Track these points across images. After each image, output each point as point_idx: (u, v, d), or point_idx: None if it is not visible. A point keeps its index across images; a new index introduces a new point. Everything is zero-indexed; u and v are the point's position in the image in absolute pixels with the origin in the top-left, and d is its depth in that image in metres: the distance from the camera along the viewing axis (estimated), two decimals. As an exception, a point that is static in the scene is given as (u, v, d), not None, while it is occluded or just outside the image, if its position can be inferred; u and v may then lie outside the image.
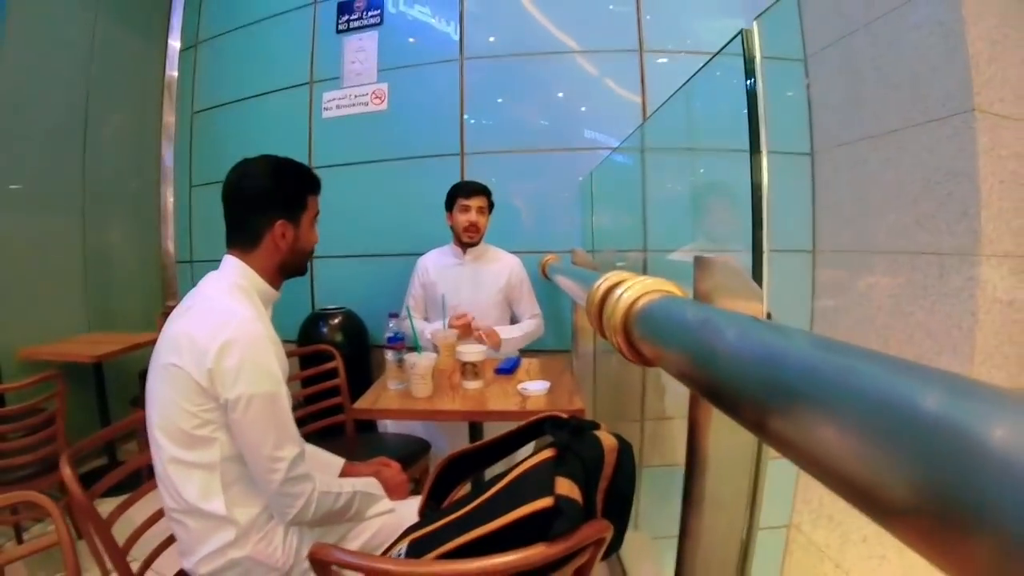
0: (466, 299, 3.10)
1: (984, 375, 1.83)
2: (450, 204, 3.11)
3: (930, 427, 0.25)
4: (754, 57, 1.20)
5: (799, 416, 0.35)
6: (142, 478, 1.69)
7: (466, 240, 3.08)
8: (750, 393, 0.43)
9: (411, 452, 2.59)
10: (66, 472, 1.40)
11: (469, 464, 1.46)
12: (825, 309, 2.47)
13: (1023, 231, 1.86)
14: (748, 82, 1.19)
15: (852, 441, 0.30)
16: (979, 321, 1.84)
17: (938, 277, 1.97)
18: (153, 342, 1.55)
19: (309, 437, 1.84)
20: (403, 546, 1.25)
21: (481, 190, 3.08)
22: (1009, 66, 1.90)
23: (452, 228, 3.13)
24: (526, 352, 3.13)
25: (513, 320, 3.27)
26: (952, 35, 1.90)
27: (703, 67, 1.72)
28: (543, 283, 3.36)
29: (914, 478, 0.25)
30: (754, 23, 1.20)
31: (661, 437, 2.47)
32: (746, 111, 1.19)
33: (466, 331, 2.92)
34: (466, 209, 3.05)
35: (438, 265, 3.19)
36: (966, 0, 1.88)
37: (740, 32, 1.20)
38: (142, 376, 1.68)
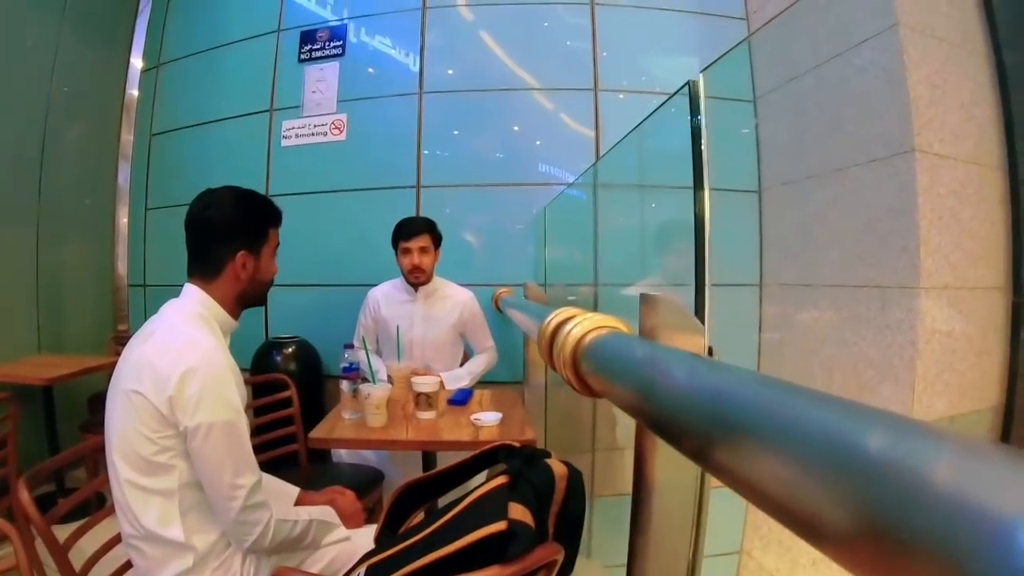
0: (418, 336, 3.08)
1: (925, 403, 1.90)
2: (394, 245, 3.07)
3: (867, 458, 0.27)
4: (698, 103, 1.25)
5: (735, 447, 0.38)
6: (91, 506, 1.65)
7: (412, 281, 3.06)
8: (691, 425, 0.46)
9: (365, 482, 2.58)
10: (23, 496, 1.37)
11: (424, 492, 1.47)
12: (771, 341, 2.53)
13: (961, 265, 1.95)
14: (693, 120, 1.24)
15: (778, 471, 0.33)
16: (919, 351, 1.92)
17: (880, 309, 2.04)
18: (104, 367, 1.54)
19: (263, 466, 1.82)
20: (361, 571, 1.26)
21: (422, 229, 3.02)
22: (948, 109, 2.00)
23: (401, 269, 3.11)
24: (479, 383, 3.14)
25: (467, 352, 3.27)
26: (894, 79, 1.99)
27: (653, 113, 1.78)
28: (496, 315, 3.39)
29: (851, 509, 0.27)
30: (700, 75, 1.25)
31: (612, 467, 2.49)
32: (690, 148, 1.24)
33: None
34: (407, 252, 3.00)
35: (389, 300, 3.16)
36: (907, 46, 1.98)
37: (687, 83, 1.25)
38: (91, 401, 1.66)
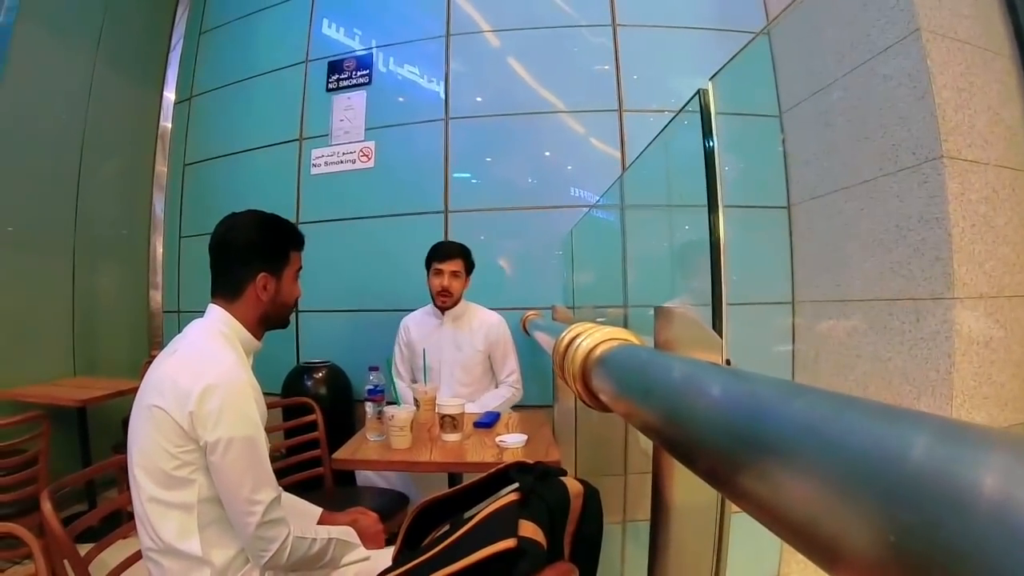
0: (447, 360, 3.09)
1: (963, 416, 1.83)
2: (428, 266, 3.10)
3: (915, 485, 0.22)
4: (710, 116, 1.23)
5: (750, 461, 0.34)
6: (120, 524, 1.68)
7: (439, 304, 3.08)
8: (705, 441, 0.42)
9: (389, 505, 2.57)
10: (47, 507, 1.41)
11: (443, 512, 1.45)
12: (805, 358, 2.48)
13: (996, 272, 1.89)
14: (705, 142, 1.22)
15: (824, 495, 0.27)
16: (956, 363, 1.86)
17: (914, 322, 1.99)
18: (137, 389, 1.57)
19: (289, 489, 1.83)
20: (374, 587, 1.25)
21: (456, 253, 3.06)
22: (976, 113, 1.95)
23: (430, 290, 3.13)
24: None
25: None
26: (919, 85, 1.95)
27: (667, 126, 1.76)
28: (525, 339, 3.37)
29: (887, 533, 0.22)
30: (708, 83, 1.23)
31: (645, 491, 2.44)
32: (703, 168, 1.22)
33: None
34: (439, 273, 3.04)
35: (419, 326, 3.18)
36: (932, 51, 1.94)
37: (697, 92, 1.23)
38: (125, 423, 1.68)
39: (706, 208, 1.25)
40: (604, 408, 0.75)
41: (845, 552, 0.25)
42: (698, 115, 1.29)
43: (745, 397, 0.39)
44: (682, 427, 0.46)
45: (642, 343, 0.77)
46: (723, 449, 0.38)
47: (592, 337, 0.78)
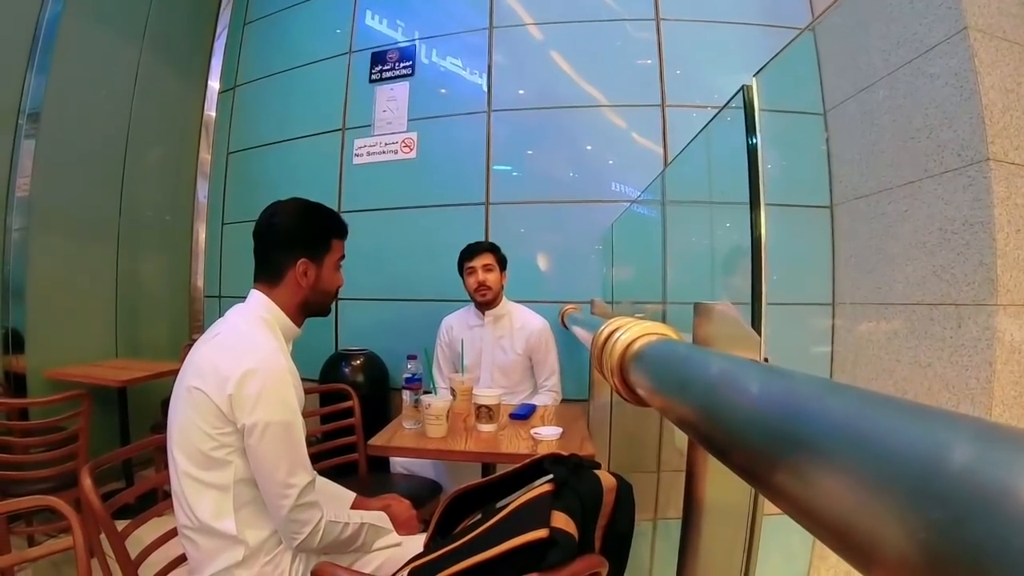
0: (486, 361, 3.10)
1: (1004, 427, 1.79)
2: (460, 271, 3.12)
3: (952, 481, 0.22)
4: (754, 112, 1.21)
5: (793, 462, 0.33)
6: (156, 501, 1.72)
7: (479, 300, 3.08)
8: (742, 437, 0.41)
9: (422, 492, 2.60)
10: (86, 483, 1.45)
11: (475, 501, 1.47)
12: (844, 361, 2.45)
13: (1039, 281, 1.85)
14: (749, 138, 1.21)
15: (859, 493, 0.27)
16: (996, 372, 1.82)
17: (956, 328, 1.95)
18: (178, 371, 1.60)
19: (323, 473, 1.86)
20: (403, 574, 1.27)
21: (484, 248, 3.08)
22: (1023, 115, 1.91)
23: (468, 292, 3.14)
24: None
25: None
26: (965, 86, 1.91)
27: (708, 123, 1.75)
28: (563, 333, 3.36)
29: (927, 534, 0.22)
30: (753, 79, 1.22)
31: (678, 489, 2.43)
32: (747, 166, 1.20)
33: None
34: (472, 271, 3.05)
35: (460, 325, 3.20)
36: (979, 51, 1.90)
37: (741, 88, 1.22)
38: (164, 404, 1.72)
39: (748, 205, 1.24)
40: (640, 402, 0.75)
41: (879, 551, 0.25)
42: (741, 111, 1.28)
43: (782, 394, 0.39)
44: (719, 423, 0.45)
45: (680, 339, 0.77)
46: (759, 445, 0.37)
47: (630, 332, 0.78)
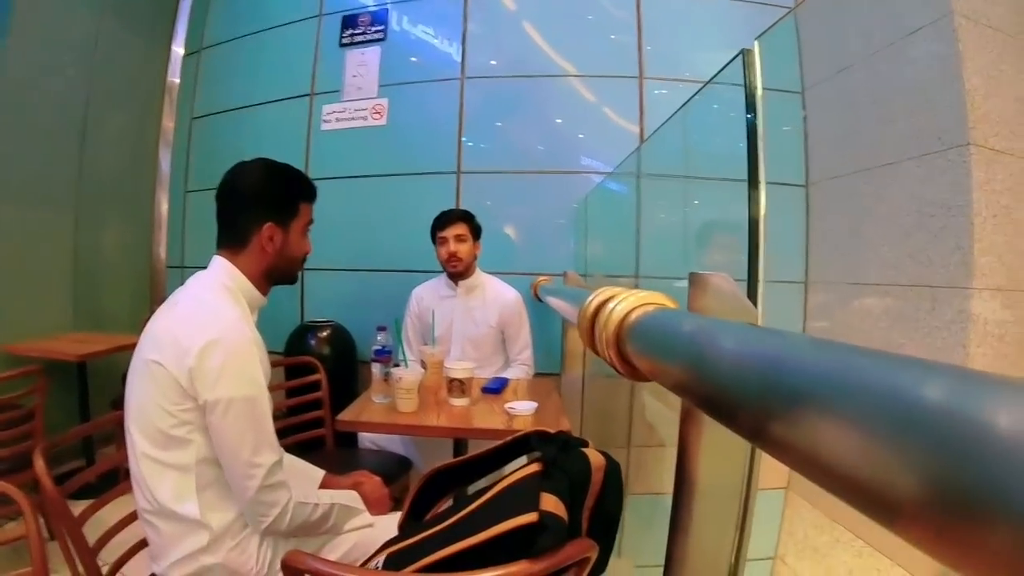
0: (457, 333, 3.05)
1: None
2: (432, 238, 3.06)
3: (934, 417, 0.24)
4: (755, 84, 1.17)
5: (798, 417, 0.34)
6: (118, 480, 1.65)
7: (451, 270, 3.02)
8: (747, 398, 0.41)
9: (392, 469, 2.55)
10: (39, 464, 1.36)
11: (453, 479, 1.43)
12: (816, 340, 2.46)
13: (1015, 266, 1.86)
14: (748, 116, 1.17)
15: (855, 439, 0.28)
16: (970, 354, 1.84)
17: (930, 310, 1.96)
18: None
19: (289, 449, 1.80)
20: (380, 560, 1.23)
21: (458, 217, 3.00)
22: (1005, 101, 1.91)
23: (440, 262, 3.08)
24: (514, 373, 3.09)
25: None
26: (948, 70, 1.91)
27: (702, 88, 1.71)
28: (535, 305, 3.34)
29: (921, 472, 0.24)
30: (755, 43, 1.17)
31: (647, 464, 2.44)
32: (745, 144, 1.17)
33: None
34: (444, 241, 2.98)
35: (431, 296, 3.14)
36: (963, 35, 1.89)
37: (741, 52, 1.18)
38: (125, 378, 1.65)
39: (738, 180, 1.21)
40: (639, 376, 0.71)
41: (888, 493, 0.26)
42: (729, 84, 1.25)
43: (781, 352, 0.39)
44: (724, 386, 0.45)
45: (676, 306, 0.73)
46: (764, 405, 0.38)
47: (627, 301, 0.74)
